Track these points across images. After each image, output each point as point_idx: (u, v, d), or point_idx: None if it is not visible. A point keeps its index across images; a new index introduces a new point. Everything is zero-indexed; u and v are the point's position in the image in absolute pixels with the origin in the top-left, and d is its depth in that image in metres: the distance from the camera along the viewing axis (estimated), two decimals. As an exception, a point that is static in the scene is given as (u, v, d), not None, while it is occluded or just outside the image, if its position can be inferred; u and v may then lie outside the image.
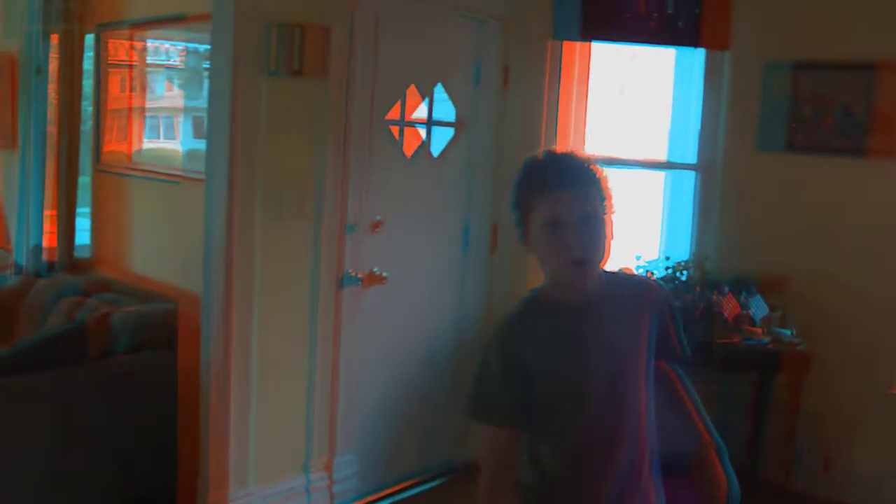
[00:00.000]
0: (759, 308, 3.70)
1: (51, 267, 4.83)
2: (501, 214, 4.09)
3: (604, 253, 1.73)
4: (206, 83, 4.40)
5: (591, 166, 1.74)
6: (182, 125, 4.62)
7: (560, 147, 1.83)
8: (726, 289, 3.73)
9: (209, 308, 3.17)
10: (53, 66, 4.74)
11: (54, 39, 4.73)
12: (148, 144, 4.68)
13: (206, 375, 3.24)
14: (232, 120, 3.09)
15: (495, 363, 1.75)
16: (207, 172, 3.18)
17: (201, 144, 4.37)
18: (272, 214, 3.23)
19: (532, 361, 1.73)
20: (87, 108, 4.84)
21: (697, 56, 4.24)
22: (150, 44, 4.59)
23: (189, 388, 3.35)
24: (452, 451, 4.07)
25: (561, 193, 1.69)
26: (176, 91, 4.72)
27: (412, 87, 3.74)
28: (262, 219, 3.20)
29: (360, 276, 3.50)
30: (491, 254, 4.14)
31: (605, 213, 1.72)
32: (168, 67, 4.73)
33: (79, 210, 4.82)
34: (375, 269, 3.56)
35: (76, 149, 4.75)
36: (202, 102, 4.32)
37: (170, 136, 4.75)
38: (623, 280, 1.97)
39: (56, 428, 3.18)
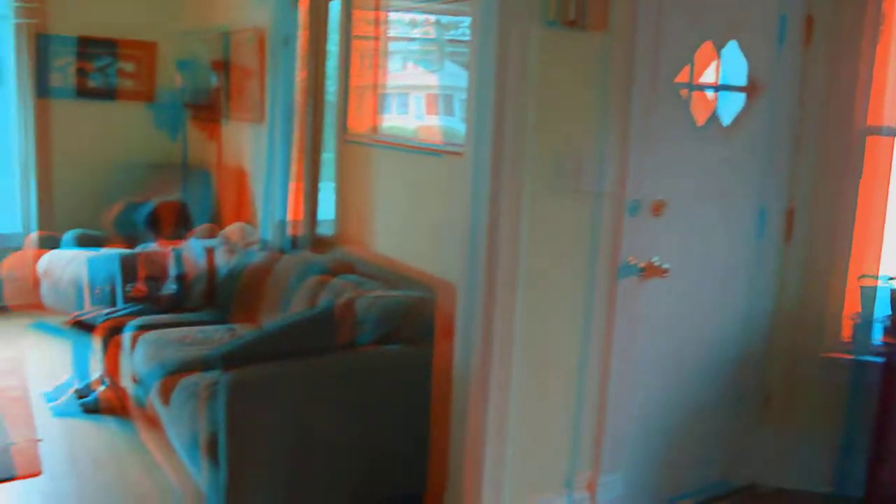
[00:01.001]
0: None
1: (294, 243, 4.70)
2: (800, 196, 3.42)
3: None
4: (446, 61, 4.16)
5: None
6: (434, 100, 4.33)
7: None
8: None
9: (471, 299, 2.75)
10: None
11: (302, 8, 4.58)
12: (394, 119, 4.40)
13: (460, 376, 2.84)
14: (498, 79, 2.64)
15: None
16: (470, 140, 2.74)
17: (451, 121, 4.10)
18: (543, 190, 2.75)
19: None
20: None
21: None
22: (393, 15, 4.29)
23: (438, 388, 2.97)
24: (730, 470, 3.51)
25: None
26: (420, 67, 4.44)
27: (706, 44, 3.13)
28: (531, 195, 2.73)
29: (641, 265, 2.96)
30: (785, 243, 3.47)
31: None
32: (410, 40, 4.45)
33: (321, 184, 4.65)
34: (655, 259, 3.00)
35: (321, 121, 4.58)
36: (448, 79, 4.13)
37: (414, 111, 4.48)
38: None
39: (296, 424, 2.89)
